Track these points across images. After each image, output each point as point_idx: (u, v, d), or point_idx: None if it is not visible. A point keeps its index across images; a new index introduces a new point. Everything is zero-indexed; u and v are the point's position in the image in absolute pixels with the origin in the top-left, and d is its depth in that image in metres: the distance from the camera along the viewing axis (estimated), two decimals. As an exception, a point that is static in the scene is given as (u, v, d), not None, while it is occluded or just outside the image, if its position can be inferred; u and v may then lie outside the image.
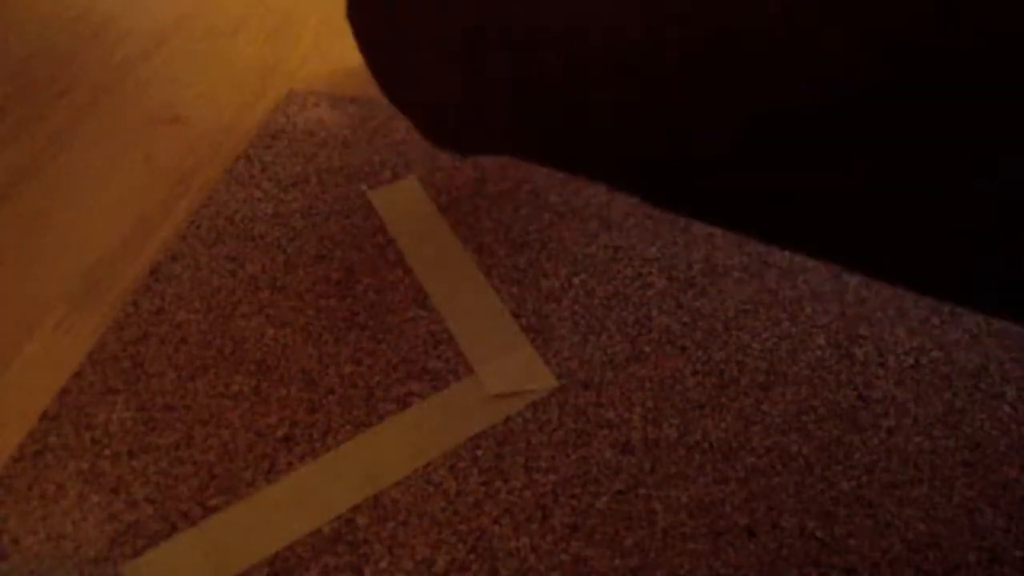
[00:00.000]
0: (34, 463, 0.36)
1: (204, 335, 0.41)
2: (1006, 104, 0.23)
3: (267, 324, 0.42)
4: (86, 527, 0.34)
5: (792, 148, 0.27)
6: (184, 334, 0.41)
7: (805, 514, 0.35)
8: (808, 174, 0.28)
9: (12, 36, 0.61)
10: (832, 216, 0.28)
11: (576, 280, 0.43)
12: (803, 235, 0.30)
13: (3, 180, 0.50)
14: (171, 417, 0.38)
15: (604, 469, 0.36)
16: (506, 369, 0.40)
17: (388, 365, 0.40)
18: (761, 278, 0.43)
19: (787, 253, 0.42)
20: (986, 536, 0.34)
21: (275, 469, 0.36)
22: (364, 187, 0.49)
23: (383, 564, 0.33)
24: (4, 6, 0.64)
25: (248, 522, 0.35)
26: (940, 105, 0.24)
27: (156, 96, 0.56)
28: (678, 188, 0.32)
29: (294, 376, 0.40)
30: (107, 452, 0.37)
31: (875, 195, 0.27)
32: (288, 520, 0.35)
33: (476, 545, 0.34)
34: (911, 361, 0.40)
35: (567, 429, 0.38)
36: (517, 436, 0.37)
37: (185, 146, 0.52)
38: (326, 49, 0.61)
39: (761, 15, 0.26)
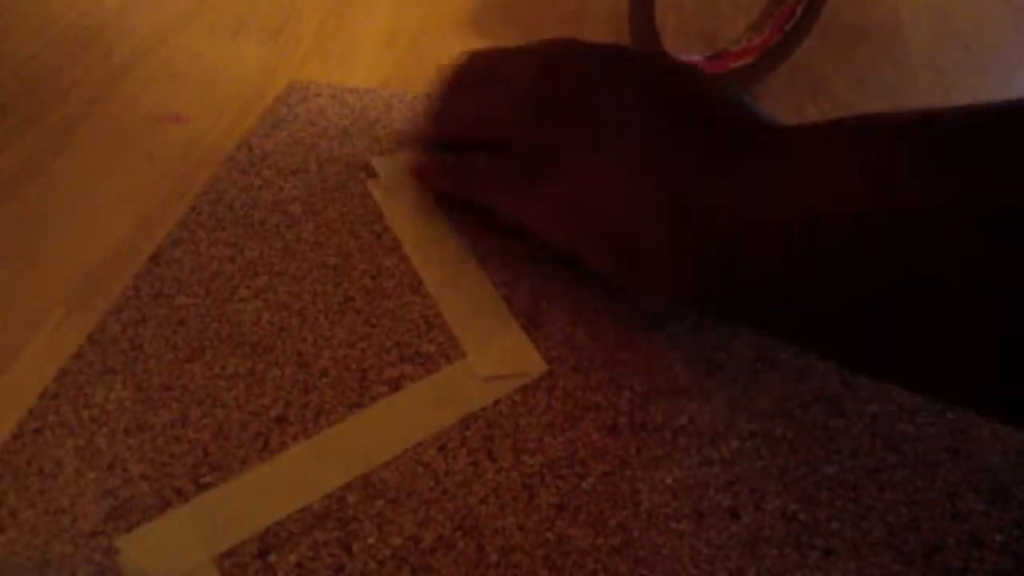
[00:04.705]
0: (33, 440, 0.37)
1: (202, 318, 0.42)
2: None
3: (264, 308, 0.42)
4: (83, 502, 0.35)
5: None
6: (182, 317, 0.42)
7: (788, 496, 0.35)
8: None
9: (12, 36, 0.62)
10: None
11: (567, 268, 0.44)
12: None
13: (3, 180, 0.50)
14: (168, 397, 0.39)
15: (591, 451, 0.37)
16: (497, 353, 0.40)
17: (381, 348, 0.41)
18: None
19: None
20: (967, 520, 0.35)
21: (268, 448, 0.37)
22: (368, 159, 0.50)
23: (371, 540, 0.34)
24: (3, 6, 0.65)
25: (240, 499, 0.35)
26: None
27: (156, 95, 0.57)
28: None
29: (289, 358, 0.40)
30: (104, 430, 0.37)
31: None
32: (280, 497, 0.35)
33: (463, 523, 0.34)
34: (897, 349, 0.40)
35: (555, 412, 0.38)
36: (506, 418, 0.38)
37: (186, 145, 0.53)
38: (327, 49, 0.62)
39: None
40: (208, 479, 0.36)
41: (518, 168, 0.41)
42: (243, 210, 0.48)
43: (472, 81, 0.46)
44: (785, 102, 0.57)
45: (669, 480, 0.36)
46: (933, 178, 0.29)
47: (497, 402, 0.39)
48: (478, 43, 0.62)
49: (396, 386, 0.39)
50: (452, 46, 0.62)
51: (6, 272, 0.45)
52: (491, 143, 0.43)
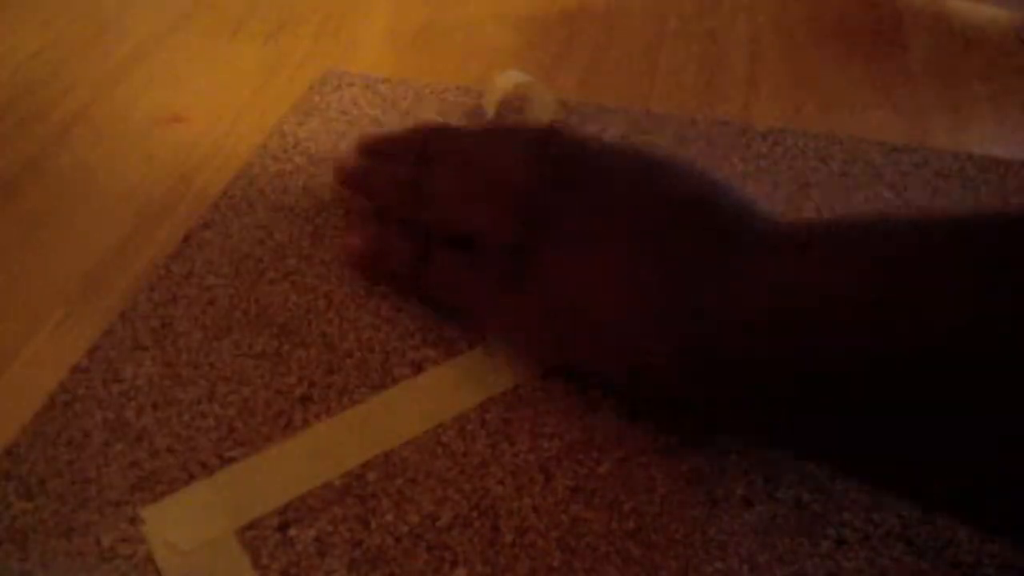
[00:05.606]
0: (64, 412, 0.38)
1: (231, 299, 0.43)
2: None
3: (292, 290, 0.43)
4: (109, 473, 0.36)
5: None
6: (212, 297, 0.43)
7: (801, 486, 0.36)
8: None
9: (12, 35, 0.63)
10: None
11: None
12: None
13: (3, 180, 0.51)
14: (195, 374, 0.40)
15: (608, 437, 0.37)
16: (518, 339, 0.41)
17: (405, 332, 0.41)
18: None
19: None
20: (981, 516, 0.35)
21: (292, 425, 0.38)
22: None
23: (389, 517, 0.35)
24: (4, 5, 0.66)
25: (263, 473, 0.36)
26: None
27: (157, 96, 0.58)
28: None
29: (314, 340, 0.41)
30: (133, 404, 0.38)
31: None
32: (301, 473, 0.36)
33: (479, 503, 0.35)
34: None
35: (574, 398, 0.39)
36: (525, 403, 0.39)
37: (186, 146, 0.53)
38: (326, 49, 0.62)
39: None
40: (232, 454, 0.37)
41: (495, 272, 0.39)
42: (274, 195, 0.48)
43: (453, 161, 0.43)
44: (785, 102, 0.57)
45: (684, 468, 0.36)
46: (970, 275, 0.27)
47: (517, 386, 0.39)
48: (478, 44, 0.63)
49: (419, 368, 0.40)
50: (452, 47, 0.63)
51: (6, 272, 0.45)
52: (458, 232, 0.41)
